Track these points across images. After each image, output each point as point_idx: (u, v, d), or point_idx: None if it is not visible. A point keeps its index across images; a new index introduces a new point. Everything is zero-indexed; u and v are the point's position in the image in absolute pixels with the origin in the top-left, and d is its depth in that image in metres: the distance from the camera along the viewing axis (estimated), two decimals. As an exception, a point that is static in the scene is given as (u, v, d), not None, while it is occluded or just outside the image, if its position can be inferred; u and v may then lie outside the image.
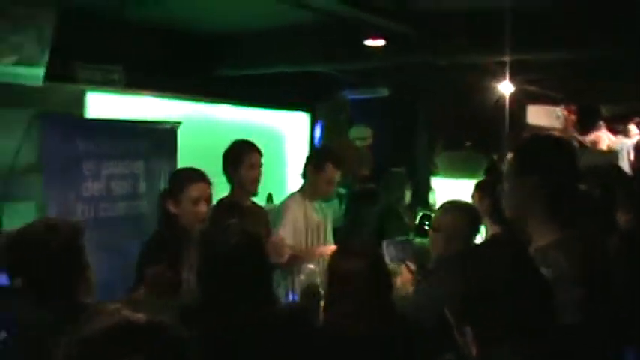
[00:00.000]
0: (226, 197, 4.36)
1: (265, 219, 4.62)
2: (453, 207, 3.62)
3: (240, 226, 2.72)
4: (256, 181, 4.37)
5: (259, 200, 4.59)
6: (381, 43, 5.29)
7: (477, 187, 4.48)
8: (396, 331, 2.67)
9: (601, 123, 12.02)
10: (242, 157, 4.33)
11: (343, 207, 6.89)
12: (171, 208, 3.58)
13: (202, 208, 3.57)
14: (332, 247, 4.75)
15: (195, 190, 3.57)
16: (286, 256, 4.09)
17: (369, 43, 5.29)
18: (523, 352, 1.63)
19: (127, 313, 1.35)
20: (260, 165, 4.39)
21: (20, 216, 4.38)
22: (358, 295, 2.69)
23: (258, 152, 4.41)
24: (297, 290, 4.02)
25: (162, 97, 5.45)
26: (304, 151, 7.12)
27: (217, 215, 4.03)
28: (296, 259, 4.49)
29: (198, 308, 2.48)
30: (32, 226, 2.31)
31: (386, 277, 2.86)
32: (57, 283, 2.16)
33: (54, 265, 2.17)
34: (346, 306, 2.70)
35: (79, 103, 4.72)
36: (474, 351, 1.67)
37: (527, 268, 1.75)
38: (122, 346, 1.27)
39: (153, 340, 1.30)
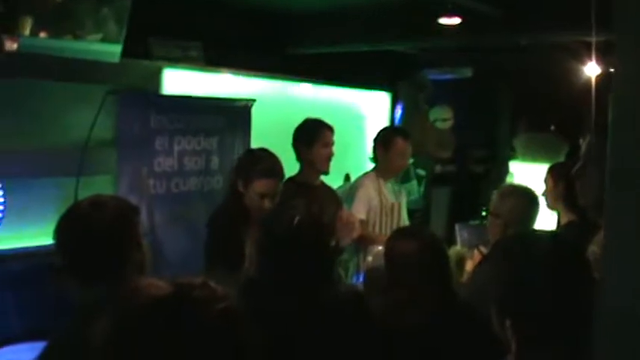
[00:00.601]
0: (296, 176, 4.36)
1: (336, 199, 4.61)
2: (511, 191, 3.53)
3: (304, 206, 2.70)
4: (328, 159, 4.35)
5: (337, 180, 4.57)
6: (456, 21, 5.16)
7: (551, 170, 4.28)
8: (454, 320, 2.60)
9: None
10: (315, 136, 4.31)
11: (422, 189, 6.81)
12: (240, 187, 3.62)
13: (266, 203, 3.59)
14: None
15: (262, 186, 3.59)
16: (356, 234, 4.03)
17: (443, 21, 5.16)
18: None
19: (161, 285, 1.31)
20: (332, 143, 4.37)
21: (95, 190, 4.50)
22: (412, 281, 2.64)
23: (331, 130, 4.39)
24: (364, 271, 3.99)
25: (240, 74, 5.47)
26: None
27: (284, 194, 4.05)
28: (366, 241, 4.47)
29: (255, 284, 2.48)
30: (79, 203, 2.24)
31: (444, 261, 2.79)
32: (99, 263, 2.07)
33: (96, 244, 2.07)
34: (400, 292, 2.65)
35: (156, 79, 4.78)
36: (512, 347, 1.59)
37: (577, 268, 1.63)
38: (164, 320, 1.24)
39: (200, 310, 1.26)
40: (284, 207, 2.82)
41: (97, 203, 2.16)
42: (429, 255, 2.65)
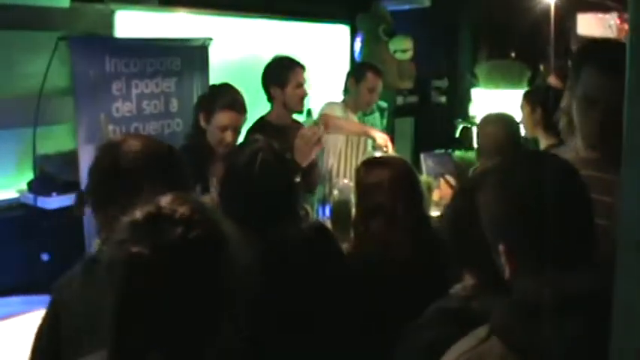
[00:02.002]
0: (267, 115, 4.32)
1: None
2: (492, 119, 3.52)
3: (265, 141, 2.66)
4: (302, 99, 4.31)
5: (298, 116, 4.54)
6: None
7: (526, 97, 4.27)
8: (430, 254, 2.59)
9: None
10: (287, 76, 4.24)
11: (385, 121, 6.80)
12: (202, 122, 3.59)
13: (228, 136, 3.55)
14: (378, 131, 4.70)
15: (224, 118, 3.55)
16: (317, 150, 3.88)
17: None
18: (554, 285, 1.42)
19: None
20: (305, 82, 4.33)
21: (54, 139, 4.43)
22: (389, 208, 2.61)
23: (303, 68, 4.33)
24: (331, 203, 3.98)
25: (194, 12, 5.36)
26: (345, 64, 6.99)
27: (251, 133, 4.01)
28: (337, 129, 4.52)
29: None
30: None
31: (418, 186, 2.78)
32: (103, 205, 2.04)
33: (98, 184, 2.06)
34: (378, 221, 2.63)
35: (108, 22, 4.67)
36: (506, 273, 1.53)
37: (572, 188, 1.56)
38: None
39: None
40: (246, 143, 2.77)
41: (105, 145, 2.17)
42: (401, 181, 2.65)
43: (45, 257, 4.23)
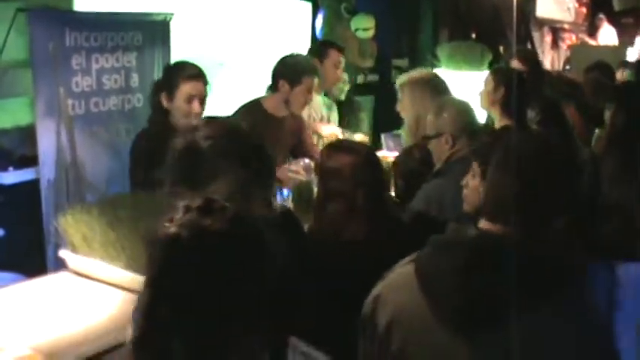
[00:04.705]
0: (262, 100, 4.32)
1: (304, 129, 4.58)
2: (446, 106, 3.51)
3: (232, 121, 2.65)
4: (305, 104, 4.34)
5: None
6: None
7: (495, 73, 4.28)
8: (391, 233, 2.63)
9: (601, 16, 11.75)
10: (301, 79, 4.19)
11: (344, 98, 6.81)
12: (164, 102, 3.54)
13: (196, 106, 3.51)
14: (331, 128, 4.71)
15: (189, 87, 3.50)
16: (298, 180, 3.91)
17: None
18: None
19: None
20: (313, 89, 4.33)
21: (11, 112, 4.35)
22: (348, 194, 2.64)
23: (318, 77, 4.39)
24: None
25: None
26: (306, 42, 6.96)
27: (251, 120, 3.96)
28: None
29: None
30: None
31: (379, 174, 2.80)
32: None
33: None
34: (337, 205, 2.66)
35: (67, -5, 4.58)
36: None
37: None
38: None
39: None
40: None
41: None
42: (363, 168, 2.67)
43: (1, 233, 4.17)
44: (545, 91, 4.78)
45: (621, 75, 6.31)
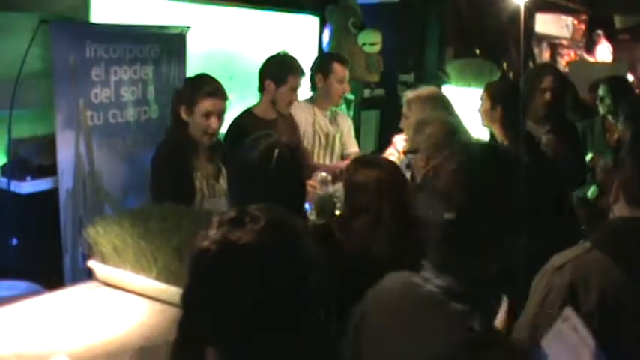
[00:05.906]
0: (252, 108, 4.35)
1: (296, 130, 4.62)
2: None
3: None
4: (290, 103, 4.38)
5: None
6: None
7: (487, 90, 4.14)
8: (410, 257, 2.66)
9: (599, 33, 11.82)
10: (286, 77, 4.28)
11: (351, 112, 6.86)
12: (183, 115, 3.59)
13: (213, 123, 3.57)
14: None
15: (209, 104, 3.56)
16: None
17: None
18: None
19: None
20: (298, 88, 4.41)
21: (31, 123, 4.38)
22: (374, 208, 2.68)
23: (303, 74, 4.38)
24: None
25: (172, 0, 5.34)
26: (313, 56, 7.01)
27: (244, 126, 4.01)
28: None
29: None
30: None
31: (404, 188, 2.84)
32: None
33: None
34: (363, 220, 2.70)
35: (84, 7, 4.62)
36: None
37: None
38: None
39: None
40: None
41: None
42: (389, 183, 2.71)
43: (16, 242, 4.19)
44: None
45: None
